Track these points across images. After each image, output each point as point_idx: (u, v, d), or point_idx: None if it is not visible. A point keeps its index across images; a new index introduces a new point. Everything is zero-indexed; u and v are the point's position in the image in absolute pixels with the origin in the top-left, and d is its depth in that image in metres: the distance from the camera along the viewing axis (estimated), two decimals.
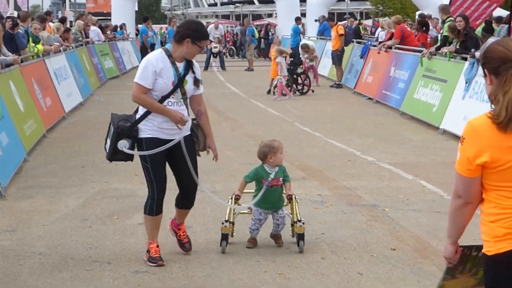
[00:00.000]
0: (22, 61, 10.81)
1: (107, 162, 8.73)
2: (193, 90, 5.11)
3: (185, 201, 5.29)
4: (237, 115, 13.32)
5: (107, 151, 5.15)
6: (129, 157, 5.12)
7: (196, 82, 5.11)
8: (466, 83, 10.80)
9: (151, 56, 5.04)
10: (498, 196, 2.70)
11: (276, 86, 16.27)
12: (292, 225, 5.64)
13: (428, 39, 15.50)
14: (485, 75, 2.76)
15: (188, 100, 5.12)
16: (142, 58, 23.54)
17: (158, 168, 5.07)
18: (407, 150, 9.80)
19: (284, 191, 5.58)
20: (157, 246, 5.24)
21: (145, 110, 5.01)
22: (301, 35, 24.11)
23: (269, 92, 16.81)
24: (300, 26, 24.54)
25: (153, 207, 5.15)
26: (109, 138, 5.13)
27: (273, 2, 36.40)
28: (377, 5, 53.13)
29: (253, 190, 5.61)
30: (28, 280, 4.91)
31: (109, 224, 6.28)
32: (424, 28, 15.71)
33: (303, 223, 5.43)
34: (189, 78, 5.07)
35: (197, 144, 5.21)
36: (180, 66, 5.04)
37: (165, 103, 4.99)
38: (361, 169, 8.56)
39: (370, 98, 15.79)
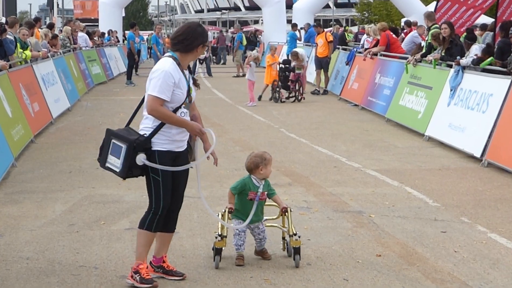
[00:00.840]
0: (10, 67, 10.82)
1: (94, 168, 8.91)
2: (194, 96, 4.97)
3: (171, 221, 5.02)
4: (223, 121, 13.35)
5: (119, 168, 4.76)
6: (143, 173, 4.83)
7: (195, 82, 4.98)
8: (451, 90, 10.90)
9: (167, 66, 4.74)
10: None
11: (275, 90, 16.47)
12: (283, 238, 5.57)
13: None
14: None
15: None
16: (128, 64, 23.55)
17: (169, 182, 4.85)
18: (393, 157, 9.88)
19: (268, 205, 5.48)
20: (147, 267, 5.04)
21: (157, 122, 4.76)
22: (297, 41, 24.18)
23: (271, 98, 16.77)
24: (297, 32, 24.62)
25: (154, 223, 4.87)
26: (112, 155, 4.78)
27: (260, 9, 36.53)
28: (363, 12, 53.56)
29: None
30: (15, 285, 4.92)
31: (96, 229, 6.29)
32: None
33: (299, 237, 5.32)
34: (191, 85, 4.92)
35: (189, 154, 5.01)
36: (186, 74, 4.88)
37: (178, 113, 4.80)
38: (346, 175, 8.62)
39: (355, 105, 15.89)
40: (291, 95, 16.80)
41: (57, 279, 5.02)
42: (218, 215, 5.41)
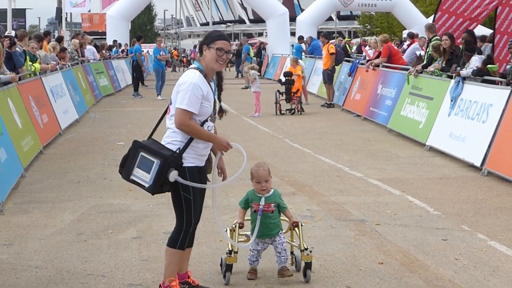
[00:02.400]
0: (19, 79, 10.98)
1: (102, 178, 9.07)
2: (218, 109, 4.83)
3: (192, 235, 4.87)
4: (228, 132, 13.41)
5: (149, 184, 4.54)
6: (171, 188, 4.65)
7: (221, 111, 4.90)
8: (452, 100, 11.01)
9: (194, 78, 4.58)
10: None
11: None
12: (292, 253, 5.44)
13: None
14: None
15: None
16: (135, 76, 23.63)
17: (198, 199, 4.72)
18: (394, 166, 9.96)
19: (281, 219, 5.31)
20: (178, 284, 4.87)
21: (187, 136, 4.60)
22: (303, 53, 24.29)
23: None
24: (302, 44, 24.73)
25: (186, 241, 4.73)
26: (140, 168, 4.56)
27: (264, 22, 36.73)
28: (365, 24, 53.76)
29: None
30: None
31: (104, 238, 6.37)
32: None
33: (311, 251, 5.21)
34: (216, 98, 4.81)
35: (208, 167, 4.86)
36: (212, 86, 4.74)
37: (205, 127, 4.66)
38: (349, 184, 8.71)
39: (358, 115, 16.02)
40: (292, 108, 16.77)
41: (65, 287, 5.09)
42: (226, 230, 5.29)
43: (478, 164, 9.52)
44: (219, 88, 4.84)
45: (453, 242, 6.23)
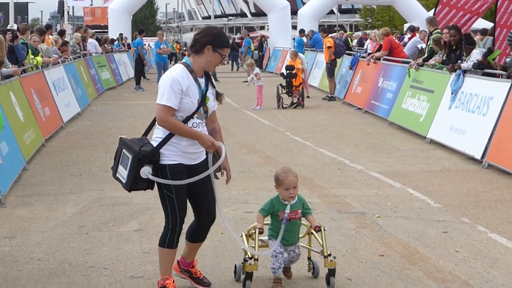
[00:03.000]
0: (22, 73, 11.01)
1: (104, 171, 9.10)
2: (213, 106, 4.67)
3: (201, 233, 4.79)
4: (229, 125, 13.47)
5: (125, 180, 4.52)
6: (150, 186, 4.57)
7: (218, 96, 4.72)
8: (452, 93, 11.04)
9: (174, 73, 4.47)
10: None
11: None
12: (309, 258, 5.21)
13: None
14: None
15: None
16: (137, 70, 23.73)
17: (183, 196, 4.58)
18: (395, 159, 10.00)
19: (304, 224, 5.11)
20: (174, 282, 4.76)
21: (167, 133, 4.48)
22: (304, 47, 24.30)
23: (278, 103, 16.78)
24: (303, 38, 24.74)
25: (174, 240, 4.63)
26: (122, 165, 4.57)
27: (265, 15, 36.72)
28: (366, 17, 53.76)
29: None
30: (27, 285, 5.01)
31: (105, 230, 6.40)
32: None
33: (334, 257, 4.96)
34: (210, 94, 4.62)
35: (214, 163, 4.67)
36: (202, 82, 4.57)
37: (189, 124, 4.51)
38: (350, 177, 8.74)
39: (359, 108, 16.05)
40: (293, 102, 16.77)
41: (67, 279, 5.11)
42: (241, 236, 5.17)
43: (478, 157, 9.54)
44: (207, 76, 4.65)
45: (454, 235, 6.25)
